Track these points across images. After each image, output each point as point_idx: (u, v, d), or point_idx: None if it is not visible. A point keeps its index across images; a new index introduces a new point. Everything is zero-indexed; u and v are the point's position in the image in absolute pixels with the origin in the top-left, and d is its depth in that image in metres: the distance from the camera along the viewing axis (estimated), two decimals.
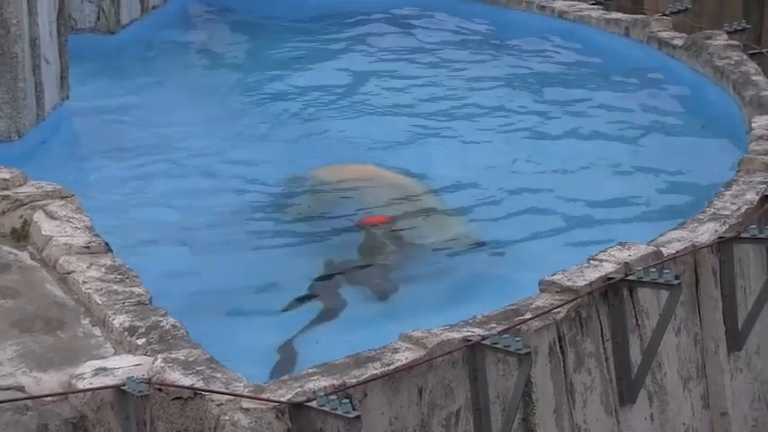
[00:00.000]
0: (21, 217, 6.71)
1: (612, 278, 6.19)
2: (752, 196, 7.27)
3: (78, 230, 6.49)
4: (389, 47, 12.28)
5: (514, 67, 11.67)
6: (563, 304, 6.00)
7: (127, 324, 5.64)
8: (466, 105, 10.68)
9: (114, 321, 5.69)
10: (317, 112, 10.58)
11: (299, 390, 5.13)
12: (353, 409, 4.99)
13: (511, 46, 12.20)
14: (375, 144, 9.90)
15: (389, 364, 5.38)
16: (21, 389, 5.22)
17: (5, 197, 6.81)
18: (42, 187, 6.94)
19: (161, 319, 5.66)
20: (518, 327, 5.76)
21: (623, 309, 6.23)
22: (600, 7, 12.34)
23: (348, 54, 12.05)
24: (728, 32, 10.79)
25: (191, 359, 5.32)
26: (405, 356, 5.45)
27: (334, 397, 5.03)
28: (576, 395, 6.06)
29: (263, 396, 5.09)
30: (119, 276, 6.07)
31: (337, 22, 12.91)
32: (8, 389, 5.19)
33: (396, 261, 7.94)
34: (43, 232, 6.50)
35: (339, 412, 4.98)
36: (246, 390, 5.13)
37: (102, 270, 6.13)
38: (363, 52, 12.15)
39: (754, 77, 9.70)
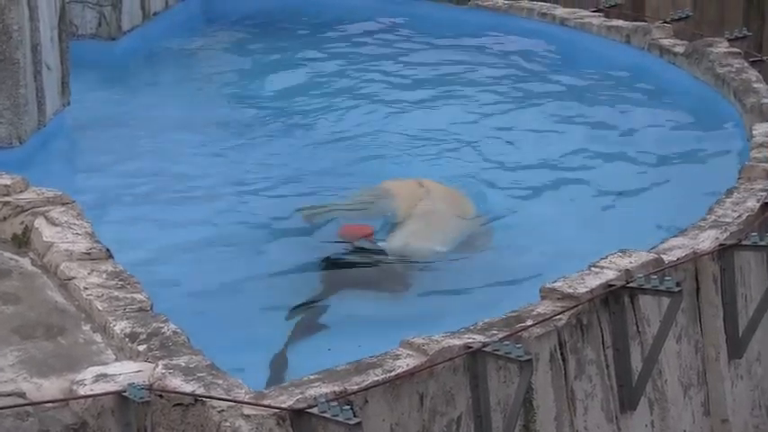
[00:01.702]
0: (22, 223, 6.71)
1: (613, 285, 6.19)
2: (753, 204, 7.28)
3: (79, 237, 6.49)
4: (391, 53, 12.27)
5: (515, 74, 11.67)
6: (564, 311, 6.00)
7: (128, 330, 5.64)
8: (466, 113, 10.68)
9: (115, 328, 5.69)
10: (323, 119, 10.58)
11: (300, 396, 5.13)
12: (354, 416, 4.99)
13: (512, 53, 12.21)
14: (376, 146, 9.90)
15: (390, 371, 5.38)
16: (22, 395, 5.22)
17: (6, 203, 6.81)
18: (43, 193, 6.94)
19: (162, 325, 5.66)
20: (519, 334, 5.76)
21: (624, 316, 6.23)
22: (601, 14, 12.35)
23: (352, 61, 12.05)
24: (729, 40, 10.80)
25: (192, 365, 5.32)
26: (406, 363, 5.45)
27: (335, 403, 5.03)
28: (576, 402, 6.06)
29: (264, 402, 5.09)
30: (120, 283, 6.07)
31: (344, 31, 12.90)
32: (9, 395, 5.19)
33: (396, 268, 7.94)
34: (44, 238, 6.50)
35: (340, 419, 4.98)
36: (247, 396, 5.13)
37: (104, 276, 6.13)
38: (368, 59, 12.15)
39: (755, 85, 9.70)
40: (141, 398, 5.04)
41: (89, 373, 5.30)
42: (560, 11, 12.46)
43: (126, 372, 5.28)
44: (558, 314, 5.98)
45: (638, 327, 6.33)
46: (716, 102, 10.10)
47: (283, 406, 5.08)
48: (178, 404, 5.14)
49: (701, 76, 10.50)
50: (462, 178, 9.27)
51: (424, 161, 9.66)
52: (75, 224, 6.62)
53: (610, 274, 6.26)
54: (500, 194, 9.03)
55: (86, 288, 6.03)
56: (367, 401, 5.30)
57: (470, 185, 9.11)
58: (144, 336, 5.58)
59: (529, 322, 5.87)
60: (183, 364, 5.32)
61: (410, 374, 5.41)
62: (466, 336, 5.69)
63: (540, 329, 5.89)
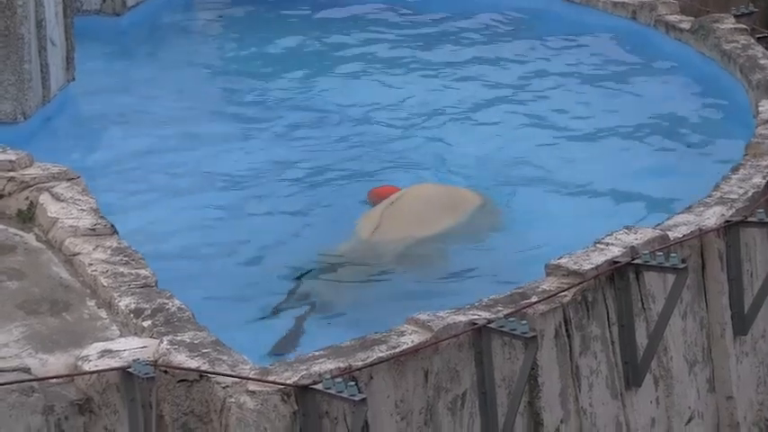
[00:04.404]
0: (27, 199, 6.71)
1: (619, 262, 6.19)
2: (759, 180, 7.27)
3: (84, 212, 6.49)
4: (389, 30, 12.20)
5: (520, 52, 11.62)
6: (569, 288, 6.00)
7: (133, 306, 5.65)
8: (474, 91, 10.64)
9: (120, 303, 5.69)
10: (320, 95, 10.56)
11: (304, 372, 5.14)
12: (359, 392, 5.00)
13: (515, 31, 12.16)
14: (379, 129, 9.88)
15: (395, 347, 5.38)
16: (26, 370, 5.23)
17: (11, 179, 6.81)
18: (48, 169, 6.94)
19: (167, 301, 5.67)
20: (524, 310, 5.76)
21: (629, 292, 6.23)
22: None
23: (355, 42, 11.99)
24: (736, 16, 10.75)
25: (196, 341, 5.32)
26: (411, 339, 5.45)
27: (340, 380, 5.04)
28: (581, 379, 6.06)
29: (269, 379, 5.10)
30: (124, 258, 6.07)
31: (349, 11, 12.83)
32: (14, 370, 5.20)
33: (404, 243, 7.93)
34: (49, 214, 6.50)
35: (345, 395, 4.99)
36: (252, 372, 5.13)
37: (108, 252, 6.13)
38: (365, 38, 12.09)
39: (761, 61, 9.66)
40: (146, 374, 5.04)
41: (94, 348, 5.31)
42: None
43: (131, 347, 5.28)
44: (564, 291, 5.97)
45: (643, 303, 6.33)
46: (722, 78, 10.06)
47: (288, 382, 5.08)
48: (183, 380, 5.14)
49: (707, 52, 10.46)
50: (467, 158, 9.26)
51: (431, 140, 9.63)
52: (79, 200, 6.62)
53: (615, 251, 6.25)
54: (506, 171, 9.02)
55: (91, 264, 6.03)
56: (372, 378, 5.30)
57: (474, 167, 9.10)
58: (149, 311, 5.58)
59: (534, 299, 5.87)
60: (188, 340, 5.33)
61: (415, 351, 5.41)
62: (471, 312, 5.69)
63: (545, 306, 5.88)
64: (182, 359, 5.19)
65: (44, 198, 6.65)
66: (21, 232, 6.55)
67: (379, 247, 7.80)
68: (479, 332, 5.58)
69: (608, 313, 6.19)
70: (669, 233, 6.53)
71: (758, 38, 10.35)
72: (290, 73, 11.09)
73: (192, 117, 10.01)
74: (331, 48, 11.73)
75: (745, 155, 7.70)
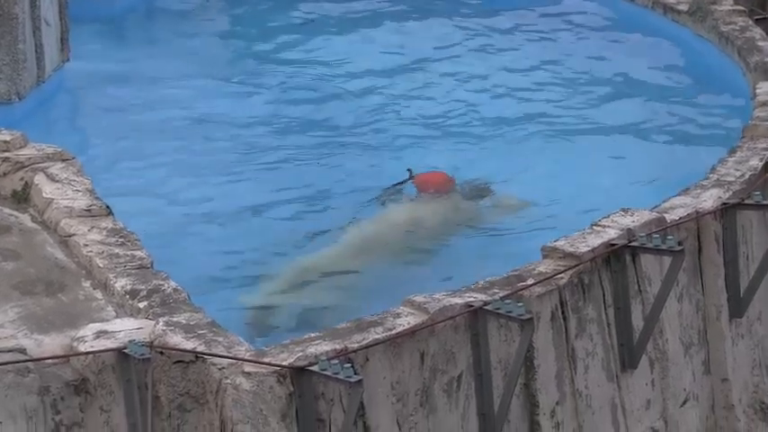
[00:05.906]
0: (21, 179, 6.69)
1: (615, 244, 6.18)
2: (756, 163, 7.26)
3: (79, 193, 6.47)
4: (383, 12, 12.18)
5: (514, 35, 11.59)
6: (565, 270, 6.00)
7: (128, 287, 5.64)
8: (468, 73, 10.62)
9: (116, 284, 5.68)
10: (320, 81, 10.53)
11: (300, 354, 5.13)
12: (355, 374, 4.99)
13: (515, 14, 12.13)
14: (377, 114, 9.87)
15: (391, 329, 5.38)
16: (22, 351, 5.22)
17: (6, 159, 6.79)
18: (43, 150, 6.92)
19: (162, 282, 5.66)
20: (520, 292, 5.76)
21: (626, 275, 6.23)
22: None
23: (356, 22, 11.97)
24: None
25: (192, 323, 5.32)
26: (407, 321, 5.45)
27: (335, 361, 5.04)
28: (577, 361, 6.07)
29: (265, 360, 5.09)
30: (120, 239, 6.06)
31: None
32: (9, 351, 5.19)
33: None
34: (44, 195, 6.49)
35: (341, 377, 4.98)
36: (248, 354, 5.13)
37: (104, 233, 6.11)
38: (367, 16, 12.07)
39: (759, 43, 9.65)
40: (142, 355, 5.04)
41: (90, 329, 5.30)
42: None
43: (126, 329, 5.28)
44: (560, 273, 5.97)
45: (639, 286, 6.33)
46: (719, 60, 10.05)
47: (284, 364, 5.08)
48: (179, 361, 5.14)
49: (704, 34, 10.45)
50: (463, 142, 9.25)
51: (425, 126, 9.62)
52: (75, 181, 6.60)
53: (612, 233, 6.25)
54: (502, 154, 9.01)
55: (86, 245, 6.02)
56: (368, 359, 5.30)
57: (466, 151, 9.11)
58: (144, 293, 5.58)
59: (530, 281, 5.87)
60: (184, 322, 5.32)
61: (411, 333, 5.41)
62: (467, 294, 5.68)
63: (542, 288, 5.88)
64: (177, 340, 5.18)
65: (39, 179, 6.63)
66: (16, 213, 6.53)
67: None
68: (475, 314, 5.58)
69: (604, 295, 6.19)
70: (666, 215, 6.53)
71: (756, 19, 10.34)
72: (289, 54, 11.06)
73: (188, 97, 9.99)
74: (325, 26, 11.70)
75: (742, 137, 7.70)
